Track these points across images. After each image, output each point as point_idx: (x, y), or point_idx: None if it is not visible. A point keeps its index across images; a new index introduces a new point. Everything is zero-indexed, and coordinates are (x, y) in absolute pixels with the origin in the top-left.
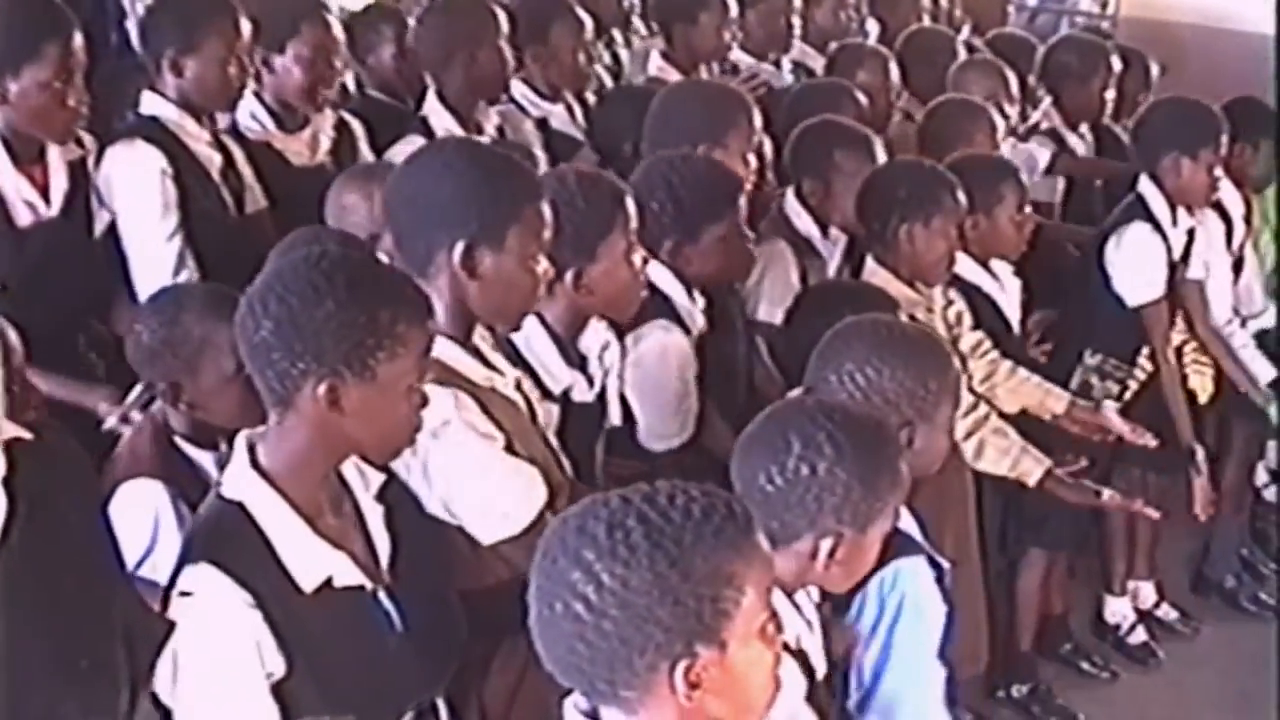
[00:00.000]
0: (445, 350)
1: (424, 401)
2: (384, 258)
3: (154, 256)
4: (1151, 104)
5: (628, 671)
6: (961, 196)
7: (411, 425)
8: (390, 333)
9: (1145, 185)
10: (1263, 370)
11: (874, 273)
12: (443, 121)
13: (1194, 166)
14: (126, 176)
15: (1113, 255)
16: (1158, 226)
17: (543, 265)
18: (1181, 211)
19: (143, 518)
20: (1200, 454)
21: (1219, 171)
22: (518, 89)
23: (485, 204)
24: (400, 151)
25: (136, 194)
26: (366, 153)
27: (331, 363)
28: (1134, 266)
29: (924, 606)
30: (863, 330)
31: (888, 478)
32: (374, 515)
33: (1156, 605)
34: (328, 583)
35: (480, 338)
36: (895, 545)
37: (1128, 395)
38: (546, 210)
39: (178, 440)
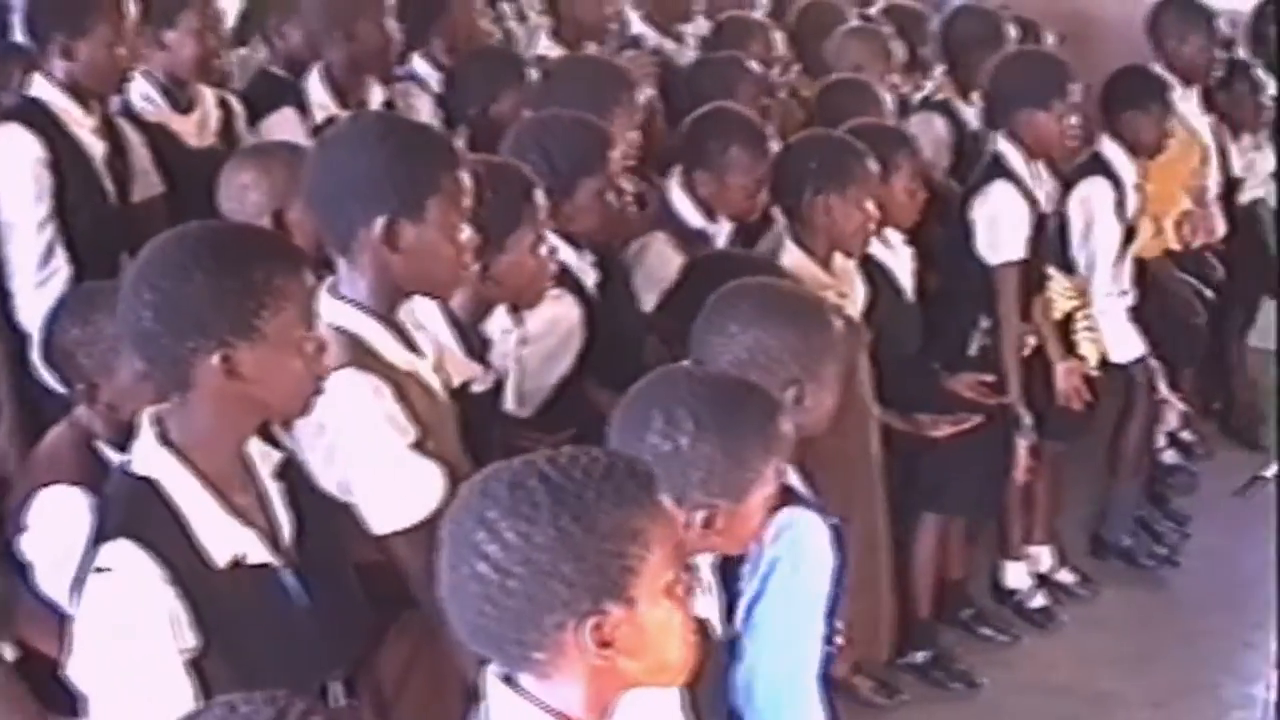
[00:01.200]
0: (367, 330)
1: (321, 348)
2: (294, 233)
3: (22, 245)
4: (996, 63)
5: (536, 632)
6: (874, 165)
7: (313, 375)
8: (268, 289)
9: (1002, 144)
10: (1129, 347)
11: (789, 252)
12: (318, 96)
13: (1048, 117)
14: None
15: (974, 215)
16: (1020, 186)
17: (466, 233)
18: (1037, 164)
19: (61, 526)
20: (1028, 420)
21: (1075, 119)
22: (420, 64)
23: (402, 177)
24: (273, 124)
25: (8, 180)
26: (245, 131)
27: (218, 333)
28: (993, 226)
29: (809, 559)
30: (747, 291)
31: (757, 447)
32: (275, 492)
33: (1056, 569)
34: (239, 559)
35: (406, 313)
36: (787, 498)
37: (1025, 352)
38: (466, 178)
39: (99, 445)
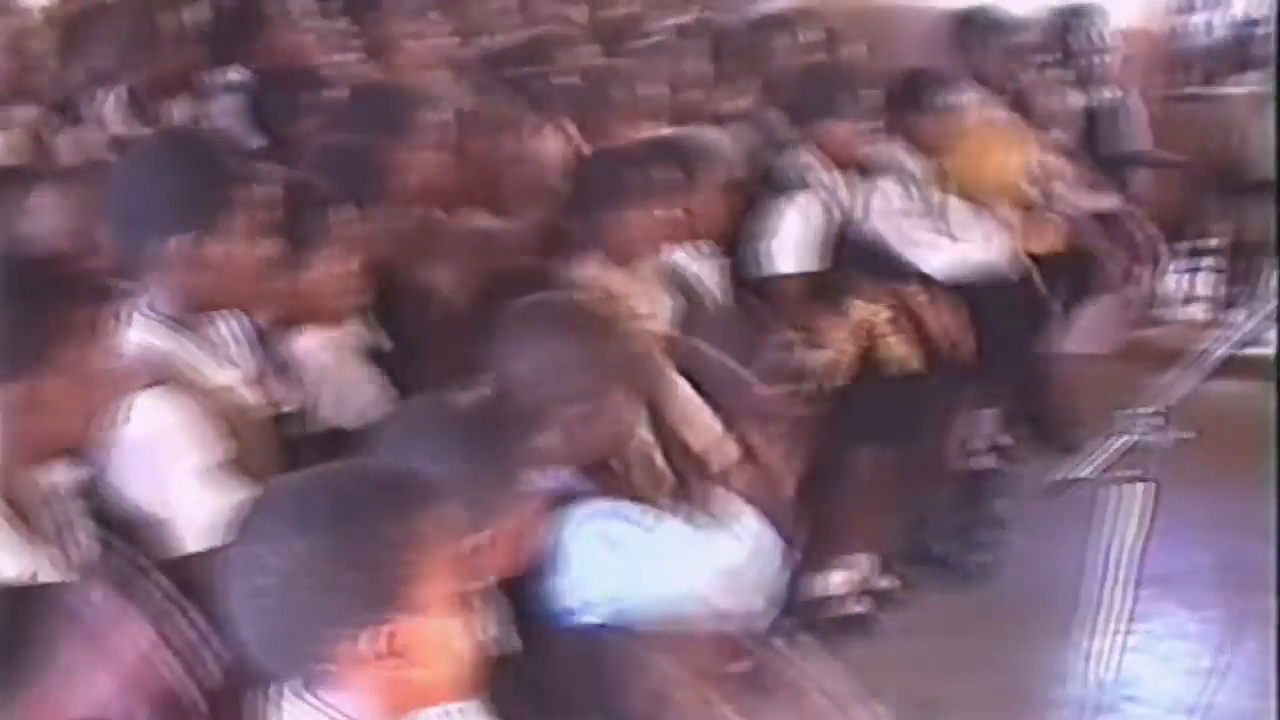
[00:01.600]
0: (177, 346)
1: (119, 378)
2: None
3: None
4: (796, 76)
5: (323, 643)
6: (675, 175)
7: (112, 402)
8: (65, 323)
9: (804, 154)
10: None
11: (589, 265)
12: (111, 115)
13: (844, 127)
14: None
15: (772, 225)
16: (819, 196)
17: (268, 247)
18: (838, 173)
19: None
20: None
21: (864, 127)
22: (237, 75)
23: (199, 193)
24: (71, 144)
25: None
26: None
27: (12, 365)
28: (786, 234)
29: (611, 523)
30: (541, 305)
31: (521, 462)
32: (75, 512)
33: (876, 574)
34: (29, 578)
35: (217, 329)
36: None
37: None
38: (263, 192)
39: None
